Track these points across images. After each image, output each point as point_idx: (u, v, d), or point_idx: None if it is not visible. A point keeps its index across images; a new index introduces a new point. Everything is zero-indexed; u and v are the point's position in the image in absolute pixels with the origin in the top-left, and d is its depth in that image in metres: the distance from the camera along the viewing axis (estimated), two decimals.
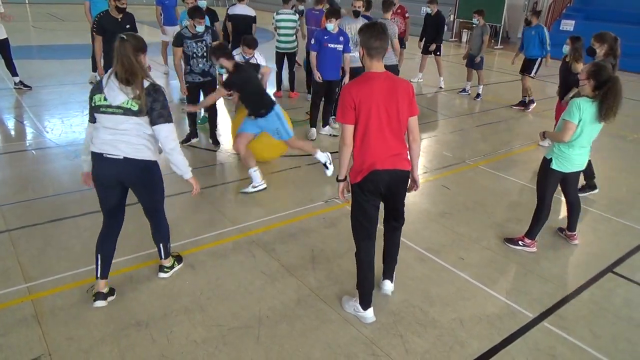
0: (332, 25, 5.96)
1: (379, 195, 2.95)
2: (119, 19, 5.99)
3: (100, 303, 3.09)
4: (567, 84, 5.69)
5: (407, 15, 9.71)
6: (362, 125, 2.81)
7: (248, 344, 2.89)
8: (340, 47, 6.12)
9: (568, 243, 4.24)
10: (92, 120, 2.92)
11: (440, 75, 9.92)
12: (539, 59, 8.21)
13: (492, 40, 17.36)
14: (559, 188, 4.03)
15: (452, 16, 17.69)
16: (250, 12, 7.80)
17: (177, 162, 3.09)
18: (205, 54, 5.59)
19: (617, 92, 3.42)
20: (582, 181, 5.11)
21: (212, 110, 5.94)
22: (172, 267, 3.49)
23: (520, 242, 4.05)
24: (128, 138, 2.86)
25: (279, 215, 4.44)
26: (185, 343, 2.87)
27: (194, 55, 5.58)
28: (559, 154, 3.75)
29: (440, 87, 9.90)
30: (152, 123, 2.88)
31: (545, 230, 4.45)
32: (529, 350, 2.96)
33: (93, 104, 2.85)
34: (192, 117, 6.05)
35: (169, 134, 2.94)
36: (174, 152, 3.02)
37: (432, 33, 9.53)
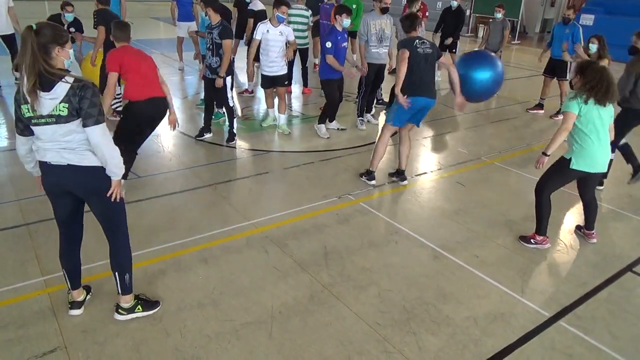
0: (348, 22, 5.95)
1: None
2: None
3: (75, 312, 3.00)
4: None
5: (427, 14, 9.56)
6: None
7: (261, 339, 2.90)
8: (347, 44, 6.17)
9: (586, 241, 4.16)
10: (23, 132, 2.60)
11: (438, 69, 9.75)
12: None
13: (510, 36, 17.14)
14: (561, 188, 3.96)
15: (468, 11, 17.48)
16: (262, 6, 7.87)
17: (110, 167, 2.63)
18: (210, 47, 5.62)
19: (601, 76, 3.57)
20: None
21: (228, 108, 5.96)
22: (131, 310, 2.98)
23: (532, 240, 4.00)
24: (69, 145, 2.54)
25: (292, 211, 4.44)
26: (199, 337, 2.88)
27: (206, 47, 5.75)
28: (580, 152, 3.69)
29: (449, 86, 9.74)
30: (83, 125, 2.49)
31: (563, 228, 4.38)
32: (544, 350, 2.92)
33: (22, 115, 2.50)
34: (209, 112, 6.09)
35: (100, 138, 2.53)
36: (110, 165, 2.60)
37: (451, 28, 9.27)
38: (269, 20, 6.06)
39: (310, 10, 8.10)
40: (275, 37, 5.98)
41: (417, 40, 4.69)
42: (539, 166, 3.87)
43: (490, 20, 9.08)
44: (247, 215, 4.34)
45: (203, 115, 6.16)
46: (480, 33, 17.20)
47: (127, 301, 2.98)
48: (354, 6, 8.46)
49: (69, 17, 7.12)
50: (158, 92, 4.41)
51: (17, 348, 2.73)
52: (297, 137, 6.44)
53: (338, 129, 6.66)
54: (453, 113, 7.99)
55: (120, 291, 2.95)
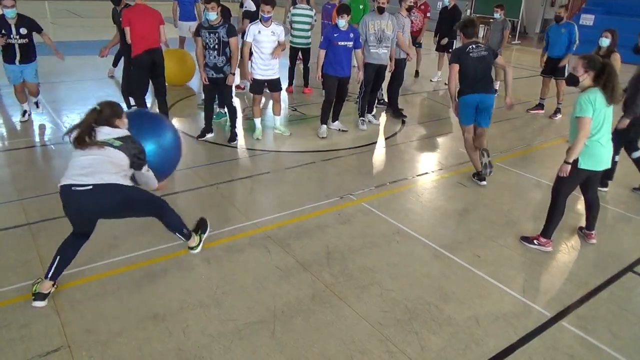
0: (343, 22, 5.92)
1: None
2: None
3: (39, 303, 3.05)
4: None
5: (428, 14, 9.55)
6: None
7: (263, 338, 2.91)
8: (350, 44, 6.08)
9: (586, 242, 4.17)
10: None
11: (438, 69, 9.75)
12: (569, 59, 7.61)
13: (510, 36, 17.13)
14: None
15: (468, 11, 17.48)
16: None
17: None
18: (216, 46, 5.54)
19: (615, 73, 3.55)
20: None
21: (231, 108, 5.96)
22: (199, 243, 3.67)
23: (535, 242, 3.99)
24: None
25: (294, 210, 4.45)
26: (201, 337, 2.89)
27: (207, 47, 5.58)
28: (587, 152, 3.64)
29: (445, 84, 9.72)
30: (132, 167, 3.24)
31: (564, 229, 4.38)
32: (546, 350, 2.93)
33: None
34: (209, 112, 6.08)
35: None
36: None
37: (447, 28, 9.22)
38: (259, 20, 5.80)
39: (314, 10, 8.11)
40: (267, 38, 5.76)
41: (472, 46, 4.93)
42: (564, 174, 3.72)
43: (491, 20, 9.07)
44: (249, 215, 4.34)
45: (203, 115, 6.16)
46: (481, 33, 17.20)
47: (192, 242, 3.64)
48: (361, 6, 8.48)
49: (9, 13, 5.81)
50: (153, 44, 5.95)
51: (20, 347, 2.74)
52: (298, 137, 6.45)
53: (340, 130, 6.66)
54: (451, 114, 7.98)
55: (185, 240, 3.59)
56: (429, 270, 3.67)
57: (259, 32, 5.76)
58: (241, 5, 8.10)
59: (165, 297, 3.21)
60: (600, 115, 3.58)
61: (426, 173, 5.53)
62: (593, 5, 15.89)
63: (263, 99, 6.61)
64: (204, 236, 3.71)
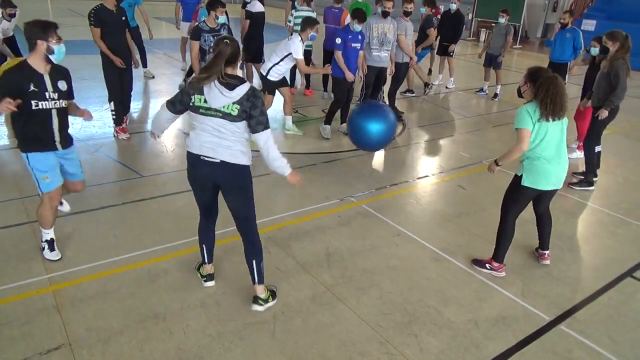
0: (359, 27, 5.99)
1: None
2: (114, 12, 5.92)
3: (210, 283, 3.35)
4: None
5: (438, 17, 9.51)
6: None
7: (263, 339, 2.92)
8: (359, 45, 6.15)
9: (586, 246, 4.18)
10: (173, 109, 2.95)
11: (451, 75, 9.75)
12: (572, 64, 7.69)
13: (512, 40, 17.16)
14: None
15: (470, 14, 17.51)
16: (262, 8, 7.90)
17: (277, 167, 2.97)
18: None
19: (556, 88, 3.22)
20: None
21: None
22: (267, 300, 3.18)
23: (487, 266, 3.72)
24: (227, 143, 2.83)
25: (294, 212, 4.46)
26: (202, 337, 2.90)
27: (210, 50, 5.57)
28: (530, 169, 3.40)
29: (447, 87, 9.73)
30: (252, 131, 2.84)
31: (562, 234, 4.40)
32: (544, 353, 2.94)
33: (191, 103, 2.81)
34: None
35: (268, 140, 2.87)
36: (275, 164, 2.94)
37: (450, 32, 9.20)
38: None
39: (315, 12, 8.12)
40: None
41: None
42: (491, 171, 3.63)
43: (494, 24, 9.07)
44: None
45: None
46: (482, 37, 17.25)
47: (262, 291, 3.18)
48: (363, 9, 8.50)
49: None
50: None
51: (21, 345, 2.75)
52: (299, 139, 6.46)
53: (345, 132, 6.66)
54: (452, 117, 8.02)
55: (257, 280, 3.14)
56: (429, 273, 3.68)
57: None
58: (243, 6, 8.12)
59: (166, 297, 3.23)
60: (543, 129, 3.29)
61: (426, 176, 5.54)
62: (595, 11, 15.94)
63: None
64: (272, 303, 3.20)
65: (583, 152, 5.45)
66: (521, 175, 3.47)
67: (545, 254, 3.88)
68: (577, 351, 2.97)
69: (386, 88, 7.42)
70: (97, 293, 3.21)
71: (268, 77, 6.08)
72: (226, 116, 2.77)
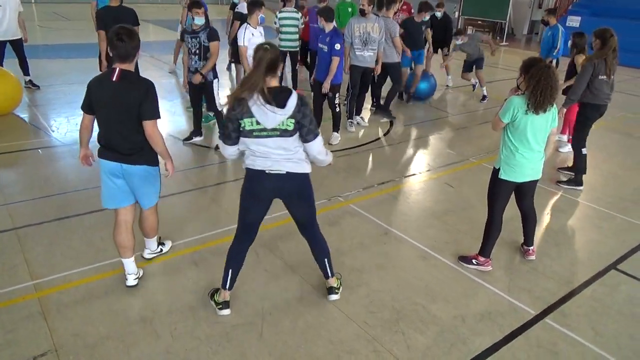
0: (326, 26, 5.92)
1: None
2: (119, 12, 5.91)
3: (226, 311, 3.11)
4: (571, 79, 5.72)
5: (412, 12, 9.57)
6: None
7: (251, 340, 2.92)
8: (326, 48, 5.94)
9: (571, 240, 4.23)
10: (231, 142, 2.80)
11: (447, 74, 9.81)
12: (554, 61, 7.71)
13: (497, 37, 17.30)
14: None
15: (456, 13, 17.61)
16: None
17: (326, 164, 3.12)
18: (197, 51, 5.46)
19: (547, 77, 3.19)
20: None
21: (217, 113, 5.94)
22: (339, 288, 3.33)
23: (473, 261, 3.75)
24: (288, 155, 2.82)
25: (282, 213, 4.42)
26: (190, 339, 2.90)
27: (189, 52, 5.52)
28: (507, 161, 3.46)
29: (447, 86, 9.82)
30: (304, 140, 2.82)
31: (547, 227, 4.45)
32: (530, 347, 2.97)
33: (241, 129, 2.73)
34: (197, 115, 6.08)
35: (320, 147, 2.90)
36: (325, 162, 3.06)
37: (440, 35, 9.18)
38: (248, 23, 5.85)
39: (300, 13, 8.13)
40: (258, 40, 5.77)
41: None
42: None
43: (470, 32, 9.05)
44: (237, 217, 4.34)
45: (192, 119, 6.14)
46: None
47: (334, 282, 3.31)
48: (349, 9, 8.52)
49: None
50: None
51: (6, 352, 2.73)
52: None
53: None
54: (440, 115, 8.07)
55: (330, 274, 3.28)
56: (416, 270, 3.71)
57: (252, 34, 5.79)
58: (231, 7, 8.09)
59: (153, 300, 3.22)
60: (522, 122, 3.31)
61: (414, 174, 5.57)
62: (579, 7, 16.11)
63: None
64: (341, 288, 3.36)
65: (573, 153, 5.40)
66: (499, 169, 3.53)
67: (530, 249, 3.91)
68: (562, 344, 3.01)
69: (385, 89, 7.43)
70: (84, 298, 3.20)
71: None
72: (284, 133, 2.73)
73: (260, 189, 2.91)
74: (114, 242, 3.30)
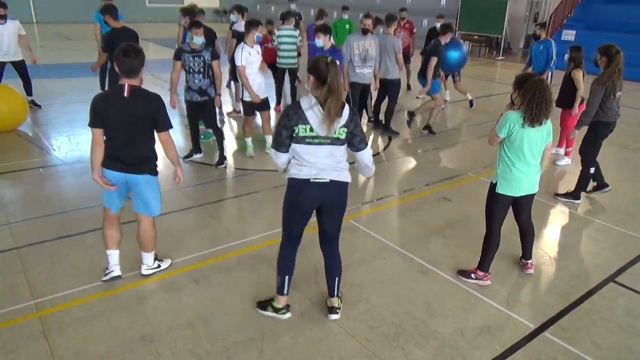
0: (320, 41, 6.04)
1: None
2: (122, 34, 6.10)
3: (288, 315, 3.26)
4: (567, 93, 5.79)
5: (414, 30, 9.71)
6: None
7: (252, 357, 2.93)
8: None
9: (569, 253, 4.25)
10: (286, 149, 2.88)
11: (445, 88, 9.91)
12: (548, 74, 7.78)
13: (494, 51, 17.48)
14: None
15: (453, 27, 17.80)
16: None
17: (370, 174, 3.24)
18: (202, 69, 5.58)
19: (541, 91, 3.24)
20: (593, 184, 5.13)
21: (217, 131, 6.00)
22: (339, 307, 3.34)
23: (472, 275, 3.76)
24: (335, 164, 2.90)
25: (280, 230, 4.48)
26: (190, 357, 2.91)
27: (191, 70, 5.59)
28: (504, 176, 3.50)
29: (445, 100, 9.90)
30: (356, 149, 2.96)
31: (545, 241, 4.47)
32: None
33: (294, 135, 2.82)
34: (195, 133, 6.14)
35: (370, 156, 3.05)
36: (372, 171, 3.18)
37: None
38: (244, 42, 5.84)
39: (298, 30, 8.25)
40: (256, 58, 5.86)
41: None
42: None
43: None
44: (237, 234, 4.38)
45: (190, 137, 6.19)
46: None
47: (336, 302, 3.31)
48: (347, 26, 8.65)
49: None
50: None
51: None
52: None
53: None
54: (438, 129, 8.13)
55: (336, 293, 3.28)
56: (416, 285, 3.72)
57: (250, 54, 5.84)
58: (231, 27, 8.22)
59: (154, 318, 3.23)
60: (519, 136, 3.35)
61: (412, 189, 5.61)
62: (574, 21, 16.32)
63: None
64: (340, 309, 3.35)
65: (581, 168, 5.28)
66: (496, 183, 3.57)
67: (528, 263, 3.93)
68: (562, 357, 3.02)
69: (383, 106, 7.51)
70: (85, 317, 3.21)
71: (243, 97, 6.03)
72: (335, 141, 2.84)
73: (304, 198, 2.97)
74: (102, 235, 3.50)
